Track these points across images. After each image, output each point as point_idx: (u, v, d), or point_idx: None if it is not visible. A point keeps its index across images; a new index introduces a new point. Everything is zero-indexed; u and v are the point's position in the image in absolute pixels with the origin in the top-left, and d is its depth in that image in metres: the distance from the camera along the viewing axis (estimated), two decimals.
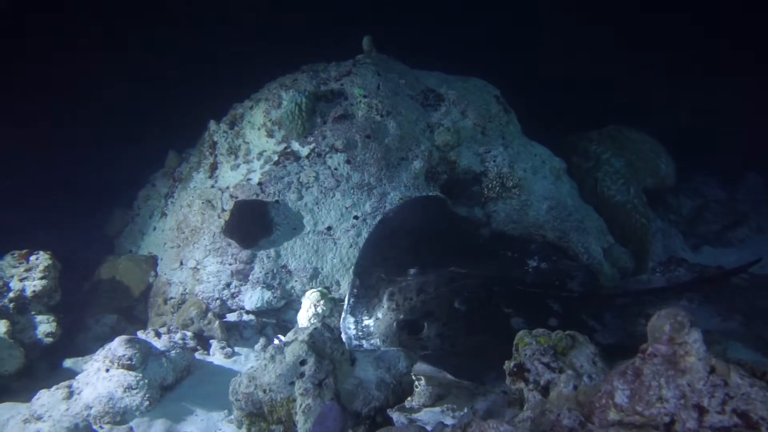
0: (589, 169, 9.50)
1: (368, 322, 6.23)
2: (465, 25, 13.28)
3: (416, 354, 5.59)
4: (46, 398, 6.16)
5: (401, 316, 6.04)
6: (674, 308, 2.51)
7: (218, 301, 7.80)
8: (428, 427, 3.82)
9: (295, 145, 8.31)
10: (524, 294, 6.54)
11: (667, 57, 12.49)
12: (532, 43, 12.90)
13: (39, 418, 5.95)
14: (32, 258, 7.68)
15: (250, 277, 7.79)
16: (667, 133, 10.52)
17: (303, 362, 4.65)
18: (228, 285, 7.86)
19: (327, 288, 7.64)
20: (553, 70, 12.63)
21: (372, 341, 6.03)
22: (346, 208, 7.93)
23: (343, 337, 6.10)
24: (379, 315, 6.19)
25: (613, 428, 2.45)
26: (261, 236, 7.83)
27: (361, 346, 6.00)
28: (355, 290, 6.53)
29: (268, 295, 7.66)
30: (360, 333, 6.14)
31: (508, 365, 3.90)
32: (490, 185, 8.32)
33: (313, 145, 8.22)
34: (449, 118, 8.54)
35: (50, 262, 7.70)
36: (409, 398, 5.55)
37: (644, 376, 2.49)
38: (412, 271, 6.63)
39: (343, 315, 6.39)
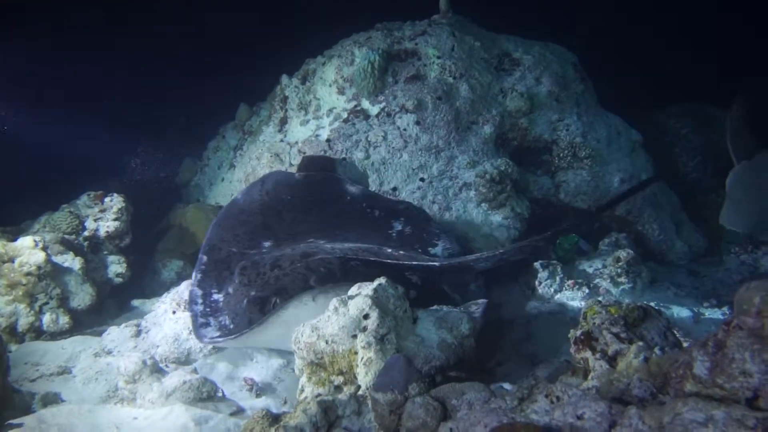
0: (665, 144, 9.17)
1: (218, 296, 5.90)
2: None
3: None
4: (116, 334, 6.41)
5: (252, 292, 5.69)
6: (766, 280, 2.39)
7: None
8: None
9: (365, 104, 8.27)
10: (381, 267, 6.00)
11: None
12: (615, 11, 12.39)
13: (109, 353, 6.21)
14: (107, 199, 7.95)
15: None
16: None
17: (366, 316, 4.66)
18: None
19: None
20: (634, 44, 12.12)
21: (220, 318, 5.71)
22: (413, 169, 7.87)
23: (189, 314, 5.80)
24: (230, 290, 5.87)
25: (691, 399, 2.37)
26: None
27: (208, 324, 5.67)
28: (203, 266, 6.17)
29: None
30: (208, 309, 5.78)
31: (574, 333, 3.82)
32: (561, 154, 8.12)
33: (383, 104, 8.17)
34: (523, 84, 8.33)
35: (123, 204, 7.96)
36: None
37: (727, 348, 2.39)
38: (266, 243, 6.34)
39: (190, 289, 6.04)
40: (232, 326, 5.56)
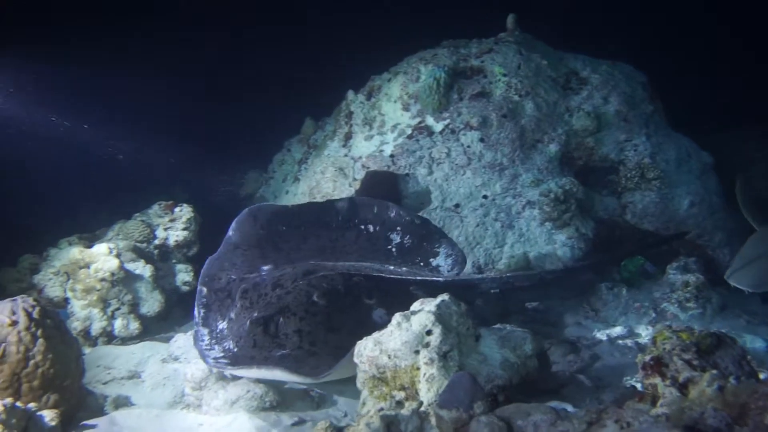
0: (737, 168, 8.90)
1: (223, 325, 5.75)
2: (615, 12, 12.60)
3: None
4: (183, 341, 6.59)
5: (255, 314, 5.54)
6: None
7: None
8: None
9: (430, 120, 8.32)
10: (386, 282, 5.97)
11: None
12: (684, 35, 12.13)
13: (176, 359, 6.39)
14: (177, 209, 8.20)
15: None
16: None
17: (429, 332, 4.66)
18: None
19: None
20: (707, 67, 11.82)
21: (224, 344, 5.56)
22: (476, 186, 7.87)
23: (197, 350, 5.62)
24: (232, 315, 5.73)
25: None
26: None
27: (212, 348, 5.52)
28: (204, 299, 5.99)
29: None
30: (213, 340, 5.63)
31: (642, 358, 3.75)
32: (628, 175, 7.98)
33: (447, 120, 8.21)
34: (590, 103, 8.25)
35: (192, 215, 8.20)
36: None
37: None
38: (265, 268, 6.19)
39: (194, 329, 5.86)
40: (235, 349, 5.45)
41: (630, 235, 7.92)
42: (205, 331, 5.73)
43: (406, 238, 6.95)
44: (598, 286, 7.09)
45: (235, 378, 5.67)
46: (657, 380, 3.51)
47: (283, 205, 7.33)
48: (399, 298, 5.83)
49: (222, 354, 5.43)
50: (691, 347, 3.51)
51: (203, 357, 5.45)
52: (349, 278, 5.87)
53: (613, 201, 8.05)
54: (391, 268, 6.33)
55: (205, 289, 6.08)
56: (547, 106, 8.17)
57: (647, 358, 3.66)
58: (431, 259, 6.84)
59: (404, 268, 6.40)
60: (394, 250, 6.91)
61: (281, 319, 5.45)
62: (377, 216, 7.08)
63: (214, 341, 5.60)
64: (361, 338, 4.94)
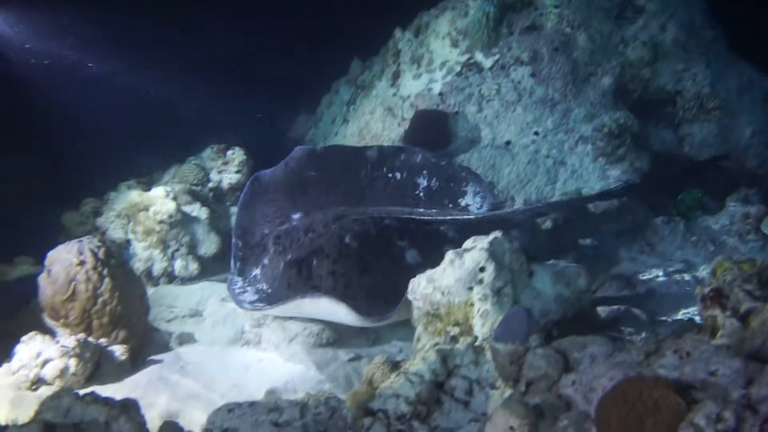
0: None
1: (256, 271, 5.85)
2: None
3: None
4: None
5: (288, 256, 5.56)
6: None
7: None
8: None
9: (479, 56, 8.16)
10: (416, 223, 5.96)
11: None
12: None
13: None
14: (229, 153, 8.33)
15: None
16: None
17: (482, 269, 4.68)
18: None
19: (502, 202, 7.60)
20: None
21: (258, 285, 5.65)
22: (527, 123, 7.74)
23: (231, 298, 5.77)
24: (266, 261, 5.80)
25: None
26: (439, 147, 7.85)
27: (245, 291, 5.65)
28: (240, 253, 6.11)
29: None
30: (247, 284, 5.74)
31: (701, 290, 3.69)
32: (686, 106, 7.72)
33: (497, 56, 8.03)
34: (646, 32, 7.93)
35: (244, 157, 8.32)
36: None
37: None
38: (295, 216, 6.19)
39: (229, 278, 6.03)
40: (270, 290, 5.56)
41: (687, 168, 7.71)
42: (239, 279, 5.87)
43: (433, 181, 6.93)
44: (654, 221, 6.96)
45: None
46: (717, 312, 3.46)
47: (312, 149, 7.29)
48: (430, 239, 5.90)
49: (257, 297, 5.53)
50: (753, 278, 3.43)
51: (237, 302, 5.57)
52: (380, 221, 5.90)
53: (669, 133, 7.83)
54: (421, 210, 6.33)
55: (240, 243, 6.21)
56: (601, 37, 7.90)
57: (707, 289, 3.60)
58: (459, 199, 6.82)
59: (434, 210, 6.39)
60: (421, 194, 6.91)
61: (314, 261, 5.51)
62: (404, 162, 7.08)
63: (247, 285, 5.72)
64: (395, 280, 4.98)
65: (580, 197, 7.08)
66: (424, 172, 6.98)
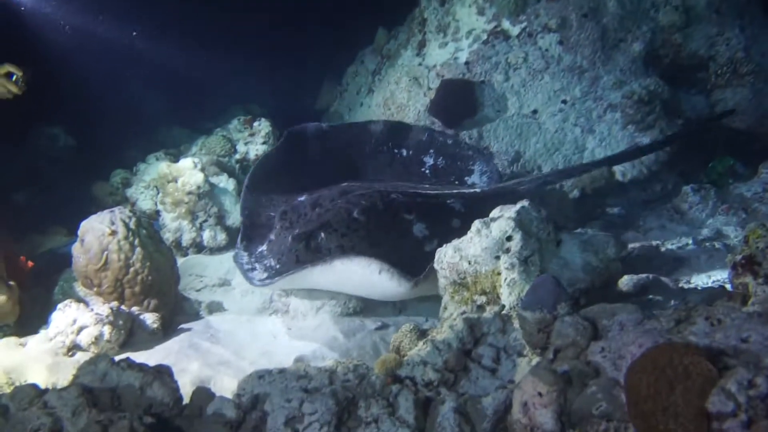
0: None
1: (262, 248, 5.79)
2: None
3: None
4: None
5: (296, 230, 5.56)
6: None
7: None
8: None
9: (506, 24, 8.04)
10: (423, 197, 5.89)
11: None
12: None
13: None
14: (255, 124, 8.36)
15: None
16: None
17: (509, 238, 4.66)
18: None
19: (528, 171, 7.56)
20: None
21: (265, 262, 5.59)
22: (555, 91, 7.64)
23: (239, 270, 5.72)
24: (272, 237, 5.75)
25: None
26: (465, 116, 7.81)
27: (254, 269, 5.56)
28: (247, 231, 6.10)
29: None
30: (254, 259, 5.70)
31: (733, 258, 3.65)
32: (719, 71, 7.53)
33: (524, 24, 7.91)
34: None
35: (270, 129, 8.35)
36: None
37: None
38: (301, 198, 6.08)
39: (235, 252, 5.99)
40: (278, 266, 5.51)
41: (719, 134, 7.57)
42: (245, 254, 5.84)
43: (440, 159, 6.93)
44: (684, 189, 6.86)
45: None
46: (748, 279, 3.42)
47: (319, 126, 7.24)
48: (438, 212, 5.86)
49: (266, 274, 5.49)
50: None
51: (247, 279, 5.53)
52: (386, 195, 5.86)
53: (701, 100, 7.68)
54: (427, 186, 6.30)
55: (247, 222, 6.20)
56: (631, 2, 7.71)
57: (739, 257, 3.56)
58: (466, 177, 6.83)
59: (440, 186, 6.36)
60: (428, 171, 6.91)
61: (322, 235, 5.48)
62: (411, 140, 7.08)
63: (255, 261, 5.68)
64: (403, 253, 4.95)
65: (588, 163, 7.02)
66: (431, 150, 7.01)
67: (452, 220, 5.85)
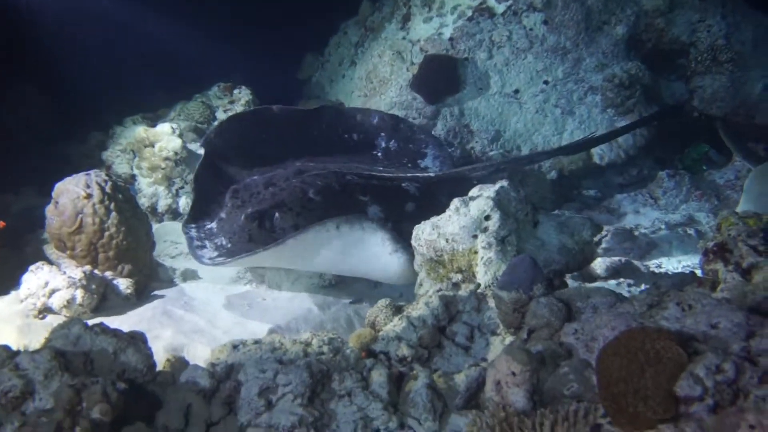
0: None
1: (211, 225, 5.62)
2: None
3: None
4: None
5: (249, 209, 5.37)
6: None
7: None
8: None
9: (492, 1, 8.02)
10: (377, 179, 5.87)
11: None
12: None
13: None
14: (236, 91, 8.28)
15: (432, 133, 7.86)
16: None
17: (487, 217, 4.69)
18: None
19: (507, 151, 7.59)
20: None
21: (216, 240, 5.42)
22: (537, 71, 7.66)
23: (185, 239, 5.52)
24: (223, 215, 5.59)
25: None
26: (447, 93, 7.80)
27: (204, 246, 5.37)
28: (196, 204, 5.90)
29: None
30: (202, 234, 5.51)
31: (705, 244, 3.72)
32: (699, 58, 7.58)
33: (510, 2, 7.89)
34: None
35: (251, 97, 8.27)
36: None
37: None
38: (254, 177, 5.93)
39: (182, 222, 5.81)
40: (229, 245, 5.35)
41: (696, 121, 7.66)
42: (192, 226, 5.62)
43: (392, 143, 6.92)
44: (659, 174, 6.95)
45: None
46: (719, 266, 3.49)
47: (265, 109, 7.03)
48: (392, 195, 5.84)
49: (216, 253, 5.30)
50: (758, 233, 3.45)
51: (196, 257, 5.33)
52: (342, 176, 5.79)
53: (680, 86, 7.74)
54: (381, 168, 6.27)
55: (199, 195, 6.00)
56: None
57: (710, 243, 3.63)
58: (419, 161, 6.84)
59: (393, 169, 6.35)
60: (380, 154, 6.89)
61: (277, 214, 5.36)
62: (360, 124, 7.04)
63: (205, 238, 5.48)
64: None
65: (542, 152, 7.16)
66: (382, 134, 6.99)
67: (406, 204, 5.84)
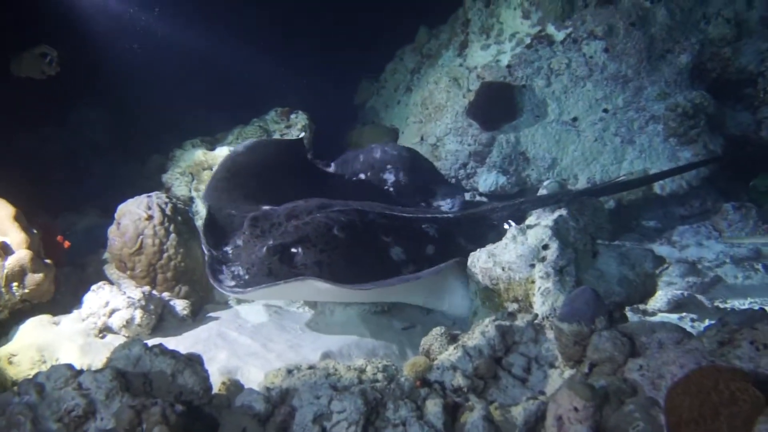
0: None
1: (227, 248, 5.41)
2: None
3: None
4: None
5: (270, 241, 5.19)
6: None
7: (453, 180, 7.96)
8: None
9: (551, 29, 7.95)
10: (398, 220, 5.70)
11: None
12: None
13: None
14: (292, 116, 8.38)
15: (487, 160, 7.82)
16: None
17: (545, 246, 4.61)
18: (464, 165, 7.98)
19: (564, 180, 7.46)
20: None
21: (232, 268, 5.19)
22: (596, 99, 7.55)
23: (207, 269, 5.20)
24: (239, 242, 5.38)
25: None
26: (504, 120, 7.76)
27: (221, 271, 5.13)
28: (208, 222, 5.62)
29: (503, 179, 7.67)
30: (221, 257, 5.28)
31: None
32: (767, 88, 7.36)
33: (570, 29, 7.81)
34: (731, 8, 7.54)
35: (307, 121, 8.35)
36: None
37: None
38: (272, 207, 5.75)
39: (202, 239, 5.49)
40: (247, 276, 5.14)
41: (764, 153, 7.40)
42: (211, 250, 5.38)
43: (401, 175, 6.90)
44: (724, 206, 6.73)
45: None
46: None
47: (281, 141, 7.15)
48: (413, 237, 5.73)
49: (234, 283, 5.11)
50: None
51: (215, 281, 5.12)
52: (364, 215, 5.68)
53: (747, 116, 7.50)
54: (400, 207, 6.15)
55: (212, 217, 5.77)
56: (682, 12, 7.58)
57: None
58: (430, 199, 6.84)
59: (411, 209, 6.30)
60: (391, 189, 6.85)
61: (300, 249, 5.18)
62: (365, 162, 7.08)
63: (221, 258, 5.32)
64: (380, 274, 4.83)
65: (577, 191, 6.80)
66: (388, 166, 6.99)
67: (426, 246, 5.69)
